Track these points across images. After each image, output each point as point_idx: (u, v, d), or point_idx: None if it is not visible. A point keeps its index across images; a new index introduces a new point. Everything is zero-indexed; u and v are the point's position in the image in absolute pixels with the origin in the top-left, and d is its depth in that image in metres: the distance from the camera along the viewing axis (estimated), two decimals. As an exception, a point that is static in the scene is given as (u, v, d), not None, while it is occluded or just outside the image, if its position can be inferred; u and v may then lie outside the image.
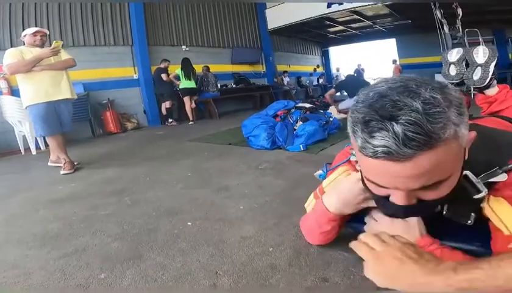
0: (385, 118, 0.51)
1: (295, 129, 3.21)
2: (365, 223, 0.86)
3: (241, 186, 1.92)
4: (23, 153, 4.11)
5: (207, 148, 3.36)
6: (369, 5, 7.45)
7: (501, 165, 0.66)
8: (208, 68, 6.90)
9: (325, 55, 13.89)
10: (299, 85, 11.25)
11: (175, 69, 6.14)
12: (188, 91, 6.16)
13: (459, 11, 5.95)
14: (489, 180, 0.66)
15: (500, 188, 0.66)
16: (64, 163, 2.69)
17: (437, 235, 0.74)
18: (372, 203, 0.78)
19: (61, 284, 1.01)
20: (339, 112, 4.75)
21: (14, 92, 4.20)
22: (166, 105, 6.12)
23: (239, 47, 8.70)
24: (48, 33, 2.88)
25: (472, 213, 0.70)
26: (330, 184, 0.97)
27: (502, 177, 0.65)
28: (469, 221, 0.70)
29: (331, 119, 3.59)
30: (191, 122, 6.08)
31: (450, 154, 0.54)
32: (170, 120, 6.12)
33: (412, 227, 0.74)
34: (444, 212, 0.71)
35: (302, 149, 2.83)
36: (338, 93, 5.81)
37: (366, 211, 0.87)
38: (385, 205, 0.67)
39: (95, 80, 5.57)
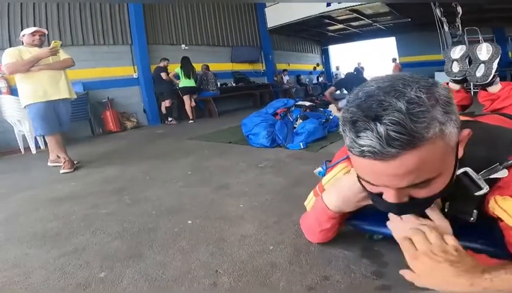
0: (370, 118, 0.52)
1: (295, 127, 3.21)
2: (370, 221, 0.86)
3: (241, 184, 1.92)
4: (23, 152, 4.11)
5: (207, 146, 3.35)
6: (367, 4, 7.45)
7: (501, 161, 0.66)
8: (207, 67, 6.89)
9: (325, 54, 13.88)
10: (299, 83, 11.25)
11: (175, 68, 6.13)
12: (188, 90, 6.15)
13: (459, 9, 5.94)
14: (490, 176, 0.66)
15: (504, 187, 0.66)
16: (64, 162, 2.68)
17: None
18: None
19: (61, 283, 1.00)
20: (339, 110, 4.75)
21: (13, 91, 4.18)
22: (165, 104, 6.11)
23: (238, 46, 8.68)
24: (47, 33, 2.88)
25: (474, 211, 0.70)
26: (330, 181, 0.96)
27: (503, 174, 0.65)
28: (471, 219, 0.70)
29: (331, 117, 3.59)
30: (190, 121, 6.07)
31: (436, 153, 0.54)
32: (170, 119, 6.11)
33: (443, 228, 0.71)
34: (446, 210, 0.71)
35: (302, 147, 2.83)
36: (338, 91, 5.80)
37: (365, 209, 0.87)
38: (379, 202, 0.68)
39: (94, 79, 5.56)
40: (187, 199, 1.73)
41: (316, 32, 10.93)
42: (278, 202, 1.56)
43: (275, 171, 2.17)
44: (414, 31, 9.96)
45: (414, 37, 10.33)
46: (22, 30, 2.84)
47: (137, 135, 4.99)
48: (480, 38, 6.70)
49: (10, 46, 3.37)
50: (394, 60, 11.33)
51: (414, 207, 0.67)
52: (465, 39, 6.26)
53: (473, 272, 0.56)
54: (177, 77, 6.14)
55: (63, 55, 2.78)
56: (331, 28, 10.54)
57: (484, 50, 1.38)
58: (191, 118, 6.17)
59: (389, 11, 8.55)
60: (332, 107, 4.82)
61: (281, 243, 1.13)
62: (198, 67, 6.55)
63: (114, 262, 1.10)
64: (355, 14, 8.79)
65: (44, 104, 2.62)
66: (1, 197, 2.09)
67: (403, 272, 0.65)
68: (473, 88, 2.01)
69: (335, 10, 7.72)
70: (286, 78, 10.03)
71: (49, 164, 2.94)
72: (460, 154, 0.63)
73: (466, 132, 0.62)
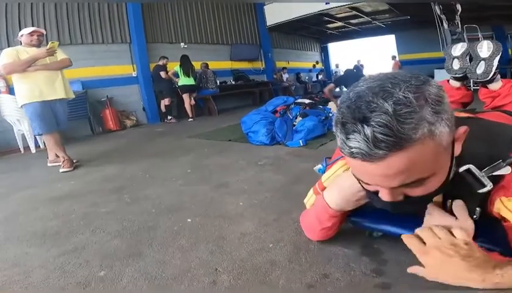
0: (358, 120, 0.52)
1: (294, 125, 3.20)
2: (370, 218, 0.86)
3: (240, 182, 1.92)
4: (22, 152, 4.10)
5: (207, 144, 3.35)
6: (366, 2, 7.44)
7: (503, 158, 0.66)
8: (207, 65, 6.87)
9: (324, 52, 13.84)
10: (298, 81, 11.23)
11: (174, 67, 6.11)
12: (187, 88, 6.14)
13: (459, 7, 5.94)
14: (493, 173, 0.66)
15: (508, 187, 0.66)
16: (63, 161, 2.68)
17: None
18: None
19: (61, 281, 1.00)
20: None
21: (12, 91, 4.13)
22: (165, 102, 6.11)
23: (238, 44, 8.66)
24: (45, 33, 2.87)
25: (477, 208, 0.70)
26: (330, 178, 0.96)
27: (506, 170, 0.65)
28: (474, 216, 0.70)
29: (330, 114, 3.58)
30: (190, 119, 6.06)
31: (426, 154, 0.54)
32: (169, 117, 6.11)
33: (467, 227, 0.70)
34: (449, 207, 0.71)
35: (302, 144, 2.83)
36: (337, 89, 5.79)
37: (365, 206, 0.87)
38: (375, 200, 0.68)
39: (93, 78, 5.55)
40: (187, 198, 1.72)
41: (315, 30, 10.91)
42: (277, 200, 1.56)
43: (274, 168, 2.17)
44: (413, 28, 9.94)
45: (414, 35, 10.31)
46: (20, 30, 2.84)
47: (136, 133, 4.99)
48: (480, 35, 6.69)
49: (8, 46, 3.35)
50: (394, 57, 11.31)
51: (410, 205, 0.67)
52: (465, 36, 6.25)
53: (484, 267, 0.57)
54: (176, 75, 6.13)
55: (60, 55, 2.78)
56: (330, 26, 10.53)
57: (485, 48, 1.38)
58: (190, 116, 6.16)
59: (388, 9, 8.55)
60: (331, 105, 4.80)
61: (281, 241, 1.13)
62: (197, 65, 6.54)
63: (114, 261, 1.10)
64: (354, 12, 8.79)
65: (40, 104, 2.62)
66: (1, 196, 2.09)
67: (413, 269, 0.66)
68: (474, 85, 2.01)
69: (334, 7, 7.72)
70: (285, 76, 10.03)
71: (48, 164, 2.94)
72: (458, 151, 0.63)
73: (463, 129, 0.61)
